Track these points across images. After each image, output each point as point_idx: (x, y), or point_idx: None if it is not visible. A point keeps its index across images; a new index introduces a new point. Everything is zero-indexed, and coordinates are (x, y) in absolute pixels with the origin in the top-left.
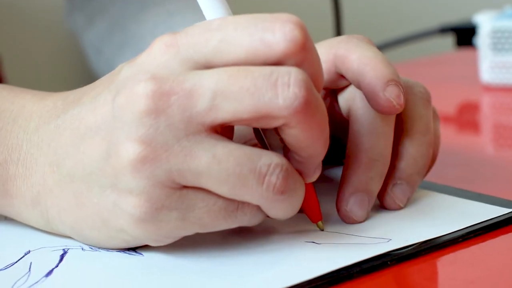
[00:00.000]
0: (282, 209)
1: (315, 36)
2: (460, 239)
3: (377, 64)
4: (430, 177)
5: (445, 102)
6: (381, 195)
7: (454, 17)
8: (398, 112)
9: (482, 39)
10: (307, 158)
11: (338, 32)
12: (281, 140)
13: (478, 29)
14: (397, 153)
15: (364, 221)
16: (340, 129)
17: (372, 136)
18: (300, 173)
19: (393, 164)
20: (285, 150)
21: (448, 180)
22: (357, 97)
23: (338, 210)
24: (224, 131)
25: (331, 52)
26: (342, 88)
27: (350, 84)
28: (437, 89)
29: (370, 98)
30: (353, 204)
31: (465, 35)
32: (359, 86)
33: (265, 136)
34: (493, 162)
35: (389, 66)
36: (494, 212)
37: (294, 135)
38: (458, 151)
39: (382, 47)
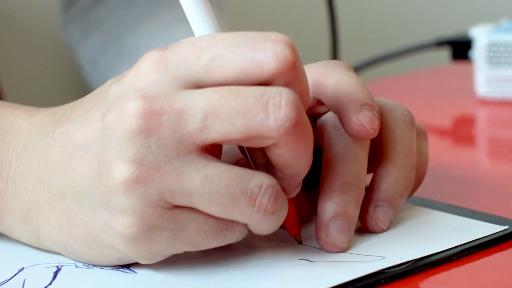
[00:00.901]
0: (268, 227)
1: (311, 50)
2: (454, 257)
3: (352, 89)
4: (424, 193)
5: (440, 115)
6: (363, 217)
7: (450, 30)
8: (373, 137)
9: (478, 52)
10: (291, 176)
11: (334, 45)
12: (263, 155)
13: (474, 42)
14: (379, 175)
15: (347, 248)
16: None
17: (345, 161)
18: (282, 189)
19: (375, 186)
20: (269, 167)
21: (442, 196)
22: (329, 124)
23: (318, 239)
24: (213, 149)
25: (309, 78)
26: (319, 115)
27: (328, 111)
28: (433, 102)
29: (344, 122)
30: (334, 230)
31: (461, 48)
32: (335, 111)
33: (248, 152)
34: (488, 177)
35: (364, 91)
36: (488, 229)
37: (282, 154)
38: (453, 165)
39: (378, 60)
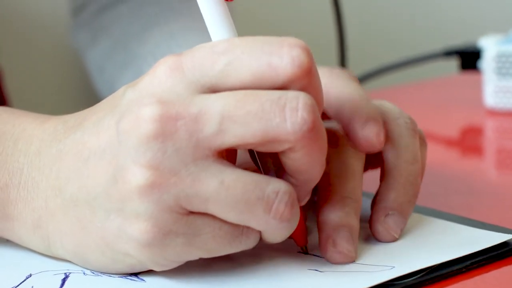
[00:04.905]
0: (281, 234)
1: (319, 59)
2: (464, 269)
3: (356, 102)
4: (433, 203)
5: (448, 125)
6: (374, 227)
7: (459, 40)
8: (378, 151)
9: (487, 63)
10: (303, 182)
11: (342, 54)
12: (274, 163)
13: (483, 52)
14: (386, 185)
15: (354, 258)
16: None
17: (341, 176)
18: None
19: (383, 196)
20: (279, 174)
21: (450, 207)
22: None
23: (325, 251)
24: (228, 155)
25: None
26: None
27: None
28: (441, 112)
29: (349, 136)
30: (340, 239)
31: (469, 58)
32: (339, 123)
33: (259, 159)
34: (497, 188)
35: (368, 103)
36: (498, 238)
37: (296, 159)
38: (461, 176)
39: (386, 69)
